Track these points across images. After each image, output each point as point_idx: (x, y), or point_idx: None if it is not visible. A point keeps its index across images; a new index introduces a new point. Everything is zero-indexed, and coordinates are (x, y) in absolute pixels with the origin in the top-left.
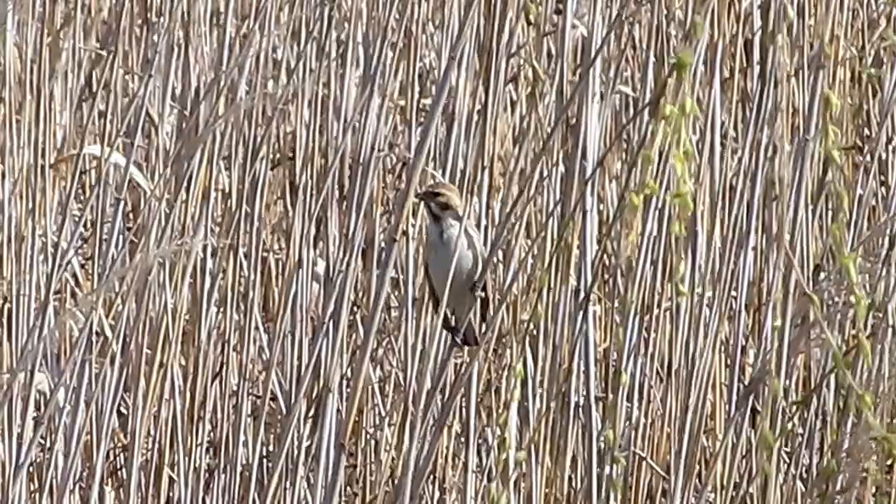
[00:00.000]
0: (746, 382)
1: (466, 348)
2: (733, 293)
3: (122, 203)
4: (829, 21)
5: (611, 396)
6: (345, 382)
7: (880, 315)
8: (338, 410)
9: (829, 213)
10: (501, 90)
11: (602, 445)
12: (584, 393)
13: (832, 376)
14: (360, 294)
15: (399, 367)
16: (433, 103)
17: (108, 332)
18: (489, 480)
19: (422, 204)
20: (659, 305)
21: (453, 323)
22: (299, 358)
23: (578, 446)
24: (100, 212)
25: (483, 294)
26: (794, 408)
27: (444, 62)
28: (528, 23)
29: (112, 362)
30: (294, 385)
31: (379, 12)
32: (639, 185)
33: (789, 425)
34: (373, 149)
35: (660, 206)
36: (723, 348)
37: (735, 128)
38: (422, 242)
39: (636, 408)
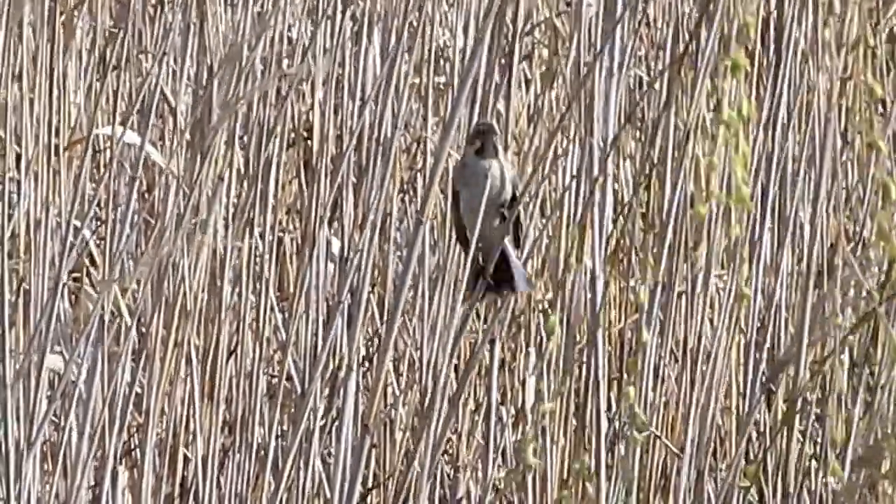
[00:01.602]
0: (763, 365)
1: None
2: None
3: (136, 182)
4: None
5: (625, 377)
6: (362, 362)
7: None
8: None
9: (844, 192)
10: (517, 69)
11: (616, 425)
12: (594, 373)
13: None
14: (376, 273)
15: (414, 347)
16: (460, 83)
17: (125, 312)
18: (504, 461)
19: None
20: (673, 287)
21: (482, 263)
22: (315, 337)
23: (594, 426)
24: (113, 192)
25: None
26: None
27: (458, 41)
28: None
29: (127, 341)
30: (309, 365)
31: None
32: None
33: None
34: (394, 128)
35: (683, 191)
36: (738, 329)
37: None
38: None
39: (650, 388)
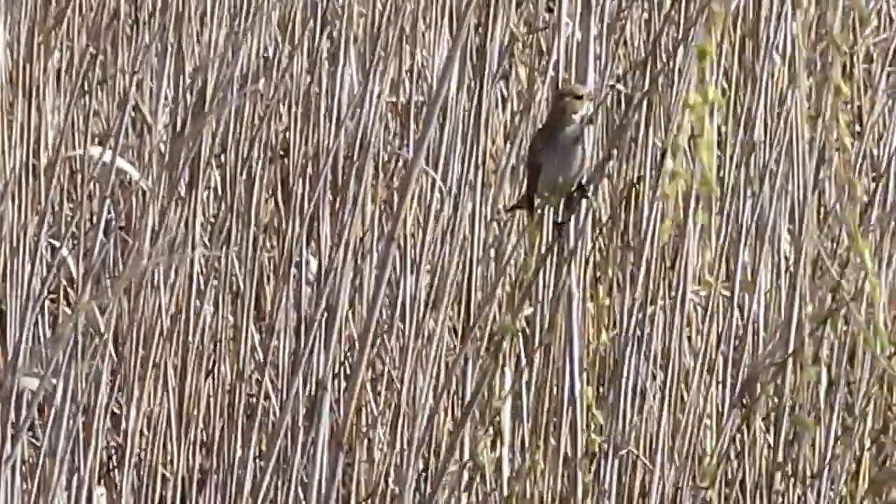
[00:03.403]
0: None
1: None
2: (725, 292)
3: (108, 201)
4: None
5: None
6: (339, 381)
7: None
8: (331, 409)
9: (822, 207)
10: (493, 88)
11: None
12: (570, 389)
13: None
14: (353, 292)
15: (392, 366)
16: (431, 102)
17: (102, 330)
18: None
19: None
20: (654, 302)
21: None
22: (292, 356)
23: (569, 445)
24: (91, 211)
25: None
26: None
27: (436, 60)
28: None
29: (104, 360)
30: (286, 384)
31: (369, 10)
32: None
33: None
34: (367, 147)
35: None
36: (717, 345)
37: (726, 123)
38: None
39: (630, 405)
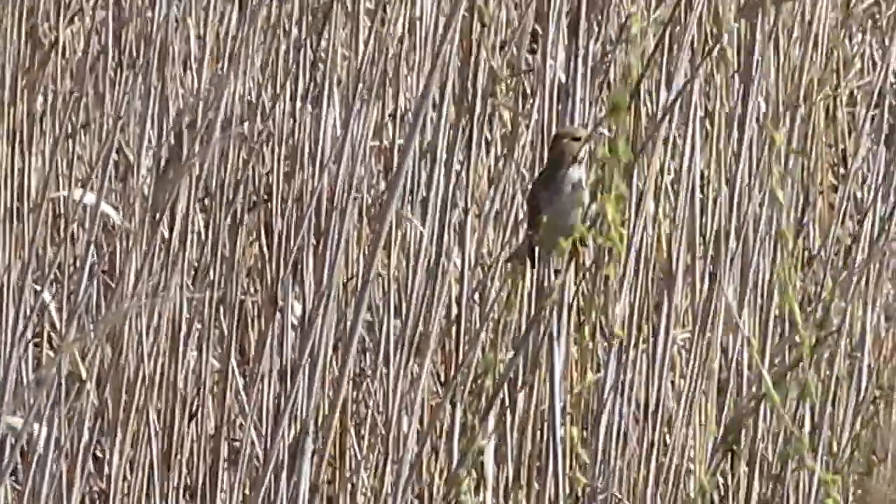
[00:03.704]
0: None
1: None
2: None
3: (92, 245)
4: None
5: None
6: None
7: (857, 355)
8: (314, 453)
9: (806, 252)
10: (478, 130)
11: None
12: (551, 433)
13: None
14: (337, 336)
15: (376, 410)
16: (405, 143)
17: (84, 375)
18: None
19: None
20: (636, 346)
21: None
22: (277, 400)
23: (552, 488)
24: (74, 255)
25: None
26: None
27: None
28: (482, 24)
29: (87, 404)
30: (271, 429)
31: (352, 53)
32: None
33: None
34: (349, 190)
35: (639, 245)
36: (703, 389)
37: (708, 167)
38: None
39: (613, 448)
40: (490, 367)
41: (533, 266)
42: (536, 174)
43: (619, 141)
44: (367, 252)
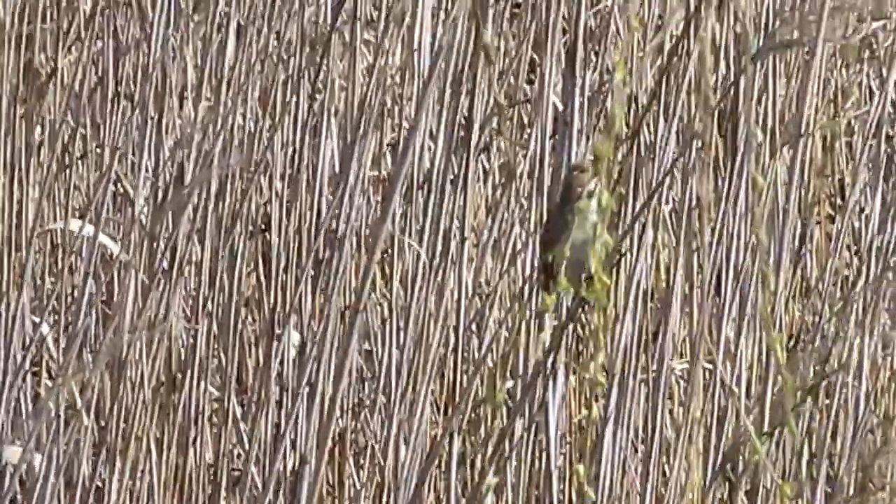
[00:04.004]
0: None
1: None
2: (709, 366)
3: (90, 277)
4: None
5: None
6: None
7: (854, 384)
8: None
9: (804, 282)
10: (474, 160)
11: None
12: (547, 463)
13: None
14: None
15: (375, 440)
16: (395, 173)
17: (79, 405)
18: None
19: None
20: (635, 376)
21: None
22: (275, 430)
23: None
24: (72, 285)
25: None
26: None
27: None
28: (489, 61)
29: (86, 434)
30: (269, 458)
31: (350, 84)
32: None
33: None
34: (346, 222)
35: (638, 276)
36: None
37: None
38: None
39: (613, 479)
40: (499, 407)
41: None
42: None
43: (604, 192)
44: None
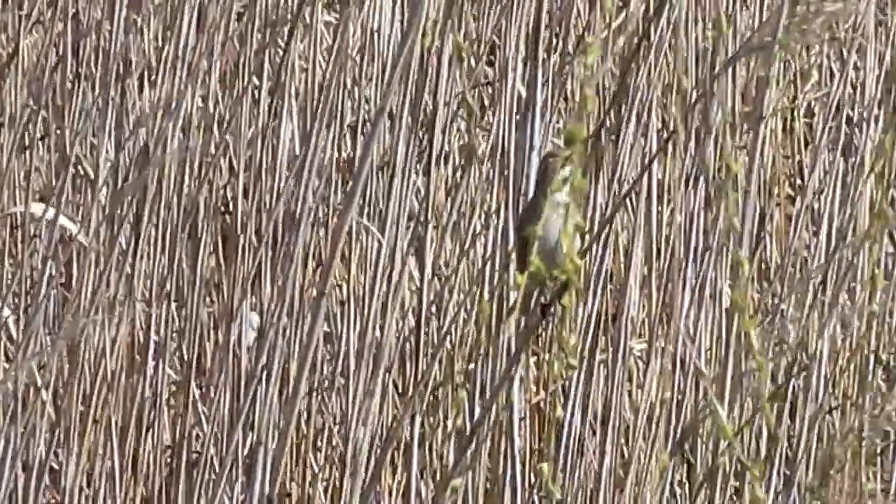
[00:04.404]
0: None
1: None
2: (669, 348)
3: (50, 262)
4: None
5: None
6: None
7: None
8: (271, 464)
9: (763, 265)
10: (440, 141)
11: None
12: (510, 449)
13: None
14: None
15: (332, 422)
16: (361, 155)
17: (39, 383)
18: None
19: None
20: (593, 357)
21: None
22: (232, 412)
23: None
24: (31, 268)
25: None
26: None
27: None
28: (460, 59)
29: (42, 416)
30: (225, 439)
31: (310, 65)
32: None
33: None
34: (303, 203)
35: (599, 258)
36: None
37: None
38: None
39: (571, 460)
40: (461, 406)
41: (525, 300)
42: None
43: (577, 172)
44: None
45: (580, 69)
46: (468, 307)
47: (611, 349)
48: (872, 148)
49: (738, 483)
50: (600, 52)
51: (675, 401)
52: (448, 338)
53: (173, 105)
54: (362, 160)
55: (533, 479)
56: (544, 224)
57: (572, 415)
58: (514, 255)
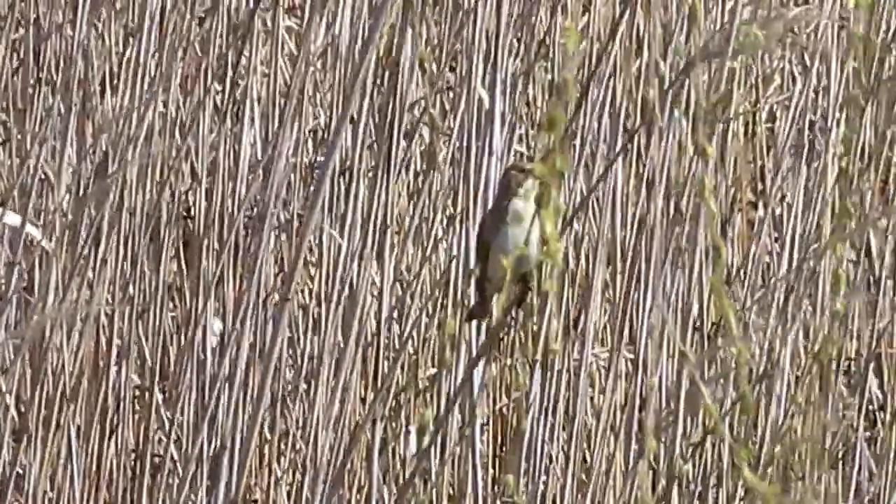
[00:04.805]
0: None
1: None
2: (628, 353)
3: (16, 267)
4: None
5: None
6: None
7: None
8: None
9: (726, 270)
10: (398, 147)
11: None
12: (472, 453)
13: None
14: (258, 353)
15: (295, 427)
16: (324, 160)
17: (3, 388)
18: None
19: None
20: (561, 362)
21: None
22: (196, 417)
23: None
24: None
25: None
26: (690, 451)
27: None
28: (423, 70)
29: (6, 421)
30: (189, 444)
31: (272, 70)
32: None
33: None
34: (265, 209)
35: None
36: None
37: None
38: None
39: (537, 464)
40: (426, 427)
41: (485, 308)
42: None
43: (557, 154)
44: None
45: (541, 74)
46: (430, 312)
47: (573, 355)
48: (835, 153)
49: (701, 488)
50: (578, 37)
51: (636, 406)
52: (410, 342)
53: (135, 111)
54: (323, 168)
55: (497, 488)
56: (508, 235)
57: (535, 420)
58: (474, 263)
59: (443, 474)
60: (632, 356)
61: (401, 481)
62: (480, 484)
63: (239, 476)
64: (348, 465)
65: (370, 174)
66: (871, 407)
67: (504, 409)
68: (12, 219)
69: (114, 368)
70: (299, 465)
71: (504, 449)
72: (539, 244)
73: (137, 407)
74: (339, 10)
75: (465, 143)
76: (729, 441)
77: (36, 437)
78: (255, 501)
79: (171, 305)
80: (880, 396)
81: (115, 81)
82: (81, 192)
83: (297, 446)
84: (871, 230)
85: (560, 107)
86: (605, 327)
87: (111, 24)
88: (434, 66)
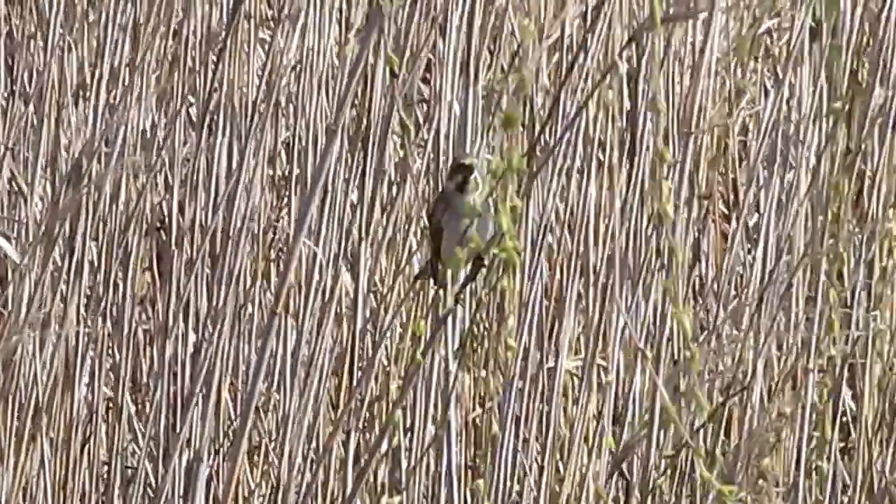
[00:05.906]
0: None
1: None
2: (602, 362)
3: None
4: (697, 90)
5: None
6: (216, 453)
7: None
8: (207, 483)
9: (699, 278)
10: (377, 158)
11: None
12: (447, 467)
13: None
14: (231, 365)
15: (268, 438)
16: (314, 177)
17: None
18: None
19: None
20: (537, 374)
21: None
22: (169, 429)
23: None
24: None
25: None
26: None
27: (313, 134)
28: (393, 74)
29: None
30: (162, 457)
31: (245, 82)
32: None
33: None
34: (243, 220)
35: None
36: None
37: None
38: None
39: (510, 478)
40: (396, 426)
41: (436, 283)
42: (438, 196)
43: (514, 153)
44: (261, 282)
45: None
46: (403, 320)
47: (546, 365)
48: (808, 167)
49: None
50: (534, 36)
51: (610, 417)
52: (384, 352)
53: (106, 123)
54: (313, 184)
55: (469, 497)
56: (455, 220)
57: (508, 431)
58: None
59: (414, 481)
60: (605, 364)
61: (375, 493)
62: (455, 494)
63: (226, 491)
64: (322, 478)
65: (344, 185)
66: (844, 419)
67: (477, 420)
68: None
69: (86, 380)
70: (272, 477)
71: (476, 460)
72: (492, 225)
73: (110, 419)
74: (316, 20)
75: (438, 155)
76: (700, 454)
77: (8, 449)
78: None
79: (143, 318)
80: (853, 407)
81: (88, 94)
82: (54, 203)
83: (270, 458)
84: (845, 244)
85: (517, 105)
86: (578, 338)
87: (84, 35)
88: (405, 73)
